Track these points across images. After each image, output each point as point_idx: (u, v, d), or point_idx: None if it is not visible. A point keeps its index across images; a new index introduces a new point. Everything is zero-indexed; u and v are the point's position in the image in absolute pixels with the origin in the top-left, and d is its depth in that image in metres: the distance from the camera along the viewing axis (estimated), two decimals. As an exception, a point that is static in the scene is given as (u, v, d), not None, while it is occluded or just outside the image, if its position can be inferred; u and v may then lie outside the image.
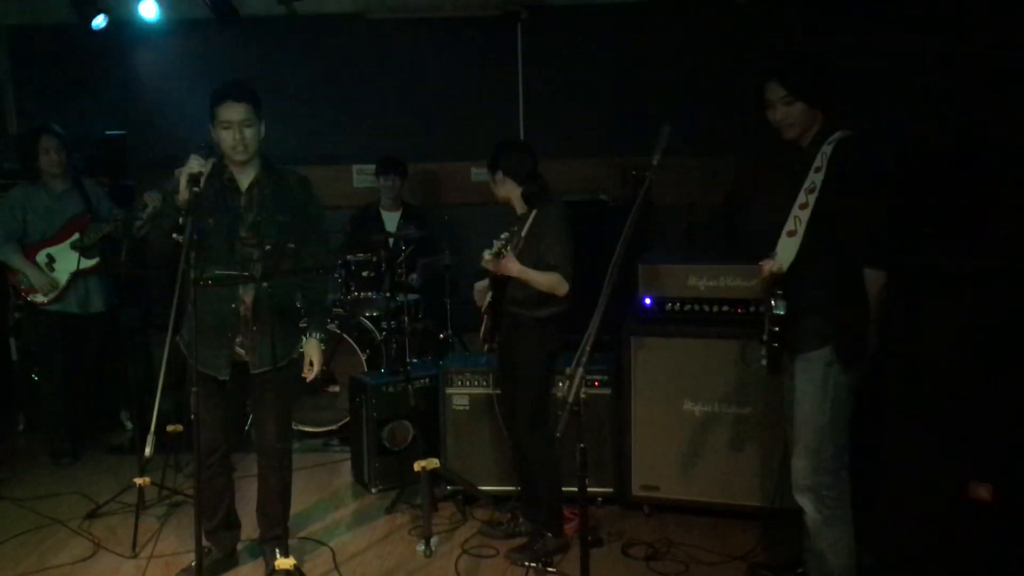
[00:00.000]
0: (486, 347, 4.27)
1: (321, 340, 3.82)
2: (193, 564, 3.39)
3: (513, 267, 3.77)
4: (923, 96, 5.60)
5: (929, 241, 3.84)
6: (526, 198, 3.97)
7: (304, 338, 3.81)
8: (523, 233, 3.88)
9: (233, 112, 3.56)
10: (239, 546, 4.09)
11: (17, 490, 4.95)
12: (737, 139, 6.37)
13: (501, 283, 3.97)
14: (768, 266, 3.21)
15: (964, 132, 5.15)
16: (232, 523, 4.04)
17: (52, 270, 5.19)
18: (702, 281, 4.34)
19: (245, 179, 3.72)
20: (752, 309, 4.19)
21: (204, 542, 3.60)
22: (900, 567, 3.54)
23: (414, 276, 6.03)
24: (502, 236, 3.76)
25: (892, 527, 3.58)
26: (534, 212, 3.94)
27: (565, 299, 3.87)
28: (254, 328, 3.70)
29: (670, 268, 4.44)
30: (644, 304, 4.43)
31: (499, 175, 3.98)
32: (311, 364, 3.79)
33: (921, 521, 3.50)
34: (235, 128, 3.57)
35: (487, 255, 3.79)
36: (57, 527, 4.48)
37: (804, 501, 3.33)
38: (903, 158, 4.14)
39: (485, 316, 4.12)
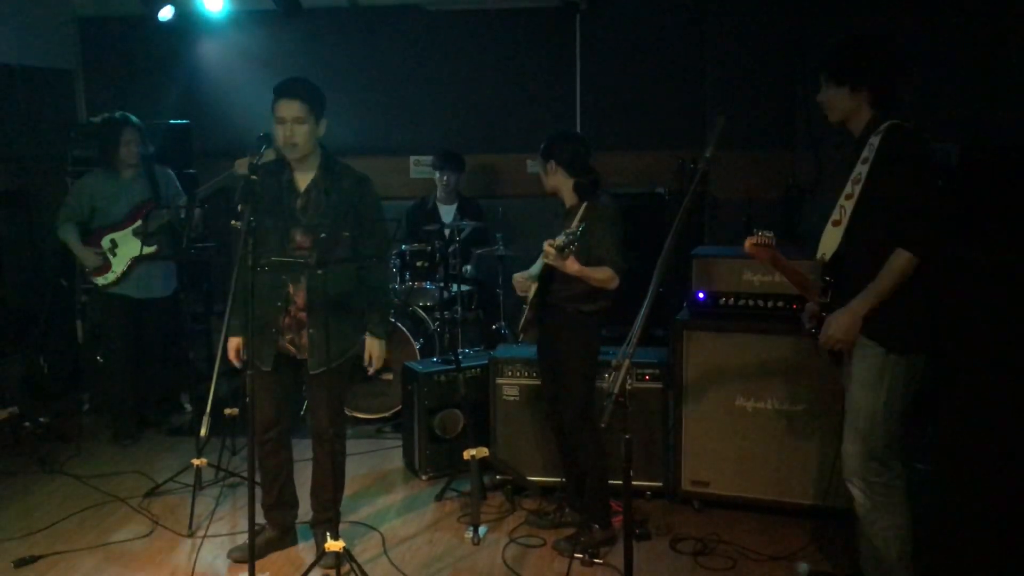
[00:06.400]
0: (521, 337, 4.27)
1: (383, 338, 3.90)
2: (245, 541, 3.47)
3: (573, 267, 3.75)
4: (987, 91, 5.45)
5: (990, 236, 3.75)
6: (577, 190, 3.95)
7: (367, 336, 3.89)
8: (574, 225, 3.84)
9: (286, 109, 3.63)
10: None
11: (81, 467, 5.09)
12: (797, 133, 6.28)
13: (548, 275, 3.96)
14: (751, 240, 3.23)
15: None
16: (287, 502, 4.10)
17: (115, 255, 5.33)
18: (757, 276, 4.27)
19: (303, 180, 3.78)
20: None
21: (259, 520, 3.67)
22: (957, 565, 3.48)
23: (468, 267, 6.07)
24: (567, 232, 3.66)
25: (948, 524, 3.52)
26: (584, 205, 3.91)
27: (612, 294, 3.86)
28: (310, 331, 3.77)
29: (724, 262, 4.38)
30: (698, 298, 4.39)
31: (551, 165, 3.95)
32: (370, 359, 3.90)
33: (978, 519, 3.43)
34: (287, 125, 3.64)
35: (550, 247, 3.71)
36: (118, 504, 4.61)
37: (853, 487, 3.26)
38: (967, 154, 4.05)
39: (527, 307, 4.13)
